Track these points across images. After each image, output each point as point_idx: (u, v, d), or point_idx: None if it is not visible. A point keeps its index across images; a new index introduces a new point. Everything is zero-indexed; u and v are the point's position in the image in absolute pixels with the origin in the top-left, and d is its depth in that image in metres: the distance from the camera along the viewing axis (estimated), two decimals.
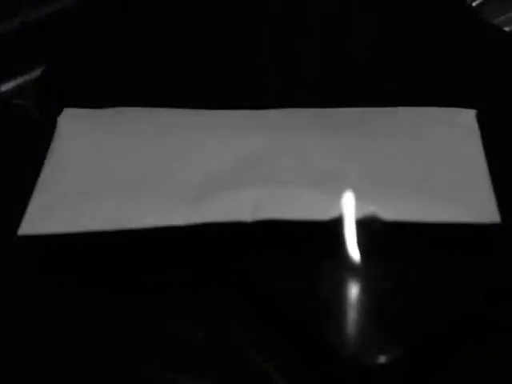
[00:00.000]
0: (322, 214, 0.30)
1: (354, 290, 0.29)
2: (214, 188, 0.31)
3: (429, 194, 0.30)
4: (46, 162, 0.33)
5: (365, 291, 0.29)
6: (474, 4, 0.42)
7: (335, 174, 0.31)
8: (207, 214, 0.30)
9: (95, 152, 0.33)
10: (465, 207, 0.30)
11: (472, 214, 0.30)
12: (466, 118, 0.34)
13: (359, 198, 0.30)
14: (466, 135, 0.33)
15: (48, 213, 0.30)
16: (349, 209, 0.30)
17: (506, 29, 0.41)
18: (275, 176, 0.31)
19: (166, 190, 0.31)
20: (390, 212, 0.30)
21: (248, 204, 0.30)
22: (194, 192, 0.31)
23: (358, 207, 0.30)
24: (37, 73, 0.39)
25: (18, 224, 0.30)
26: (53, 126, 0.34)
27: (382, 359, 0.27)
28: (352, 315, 0.28)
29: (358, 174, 0.31)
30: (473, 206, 0.30)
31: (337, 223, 0.30)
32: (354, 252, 0.30)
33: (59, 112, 0.35)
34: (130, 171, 0.32)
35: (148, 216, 0.30)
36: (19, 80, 0.39)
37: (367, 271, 0.29)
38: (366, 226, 0.30)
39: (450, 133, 0.33)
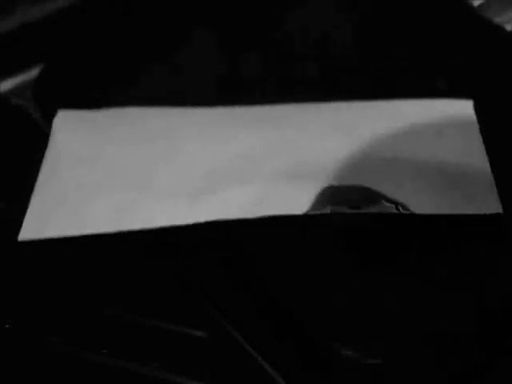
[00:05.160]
0: (322, 210, 0.30)
1: (353, 290, 0.29)
2: (214, 187, 0.31)
3: (428, 186, 0.30)
4: (43, 166, 0.33)
5: (364, 291, 0.29)
6: (475, 3, 0.42)
7: (335, 169, 0.31)
8: (208, 213, 0.30)
9: (92, 154, 0.33)
10: (466, 198, 0.30)
11: (473, 204, 0.30)
12: (464, 109, 0.34)
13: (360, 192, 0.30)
14: (464, 125, 0.33)
15: (47, 217, 0.30)
16: (348, 204, 0.30)
17: (508, 27, 0.41)
18: (275, 173, 0.31)
19: (164, 190, 0.31)
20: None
21: (249, 201, 0.30)
22: (193, 192, 0.31)
23: (360, 203, 0.30)
24: (35, 72, 0.39)
25: (17, 224, 0.30)
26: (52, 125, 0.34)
27: (379, 359, 0.27)
28: (351, 315, 0.28)
29: (357, 167, 0.31)
30: (474, 196, 0.30)
31: (336, 219, 0.30)
32: (353, 251, 0.30)
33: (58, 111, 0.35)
34: (126, 172, 0.32)
35: (148, 217, 0.30)
36: (18, 79, 0.39)
37: (367, 270, 0.29)
38: (365, 222, 0.30)
39: (447, 123, 0.33)
